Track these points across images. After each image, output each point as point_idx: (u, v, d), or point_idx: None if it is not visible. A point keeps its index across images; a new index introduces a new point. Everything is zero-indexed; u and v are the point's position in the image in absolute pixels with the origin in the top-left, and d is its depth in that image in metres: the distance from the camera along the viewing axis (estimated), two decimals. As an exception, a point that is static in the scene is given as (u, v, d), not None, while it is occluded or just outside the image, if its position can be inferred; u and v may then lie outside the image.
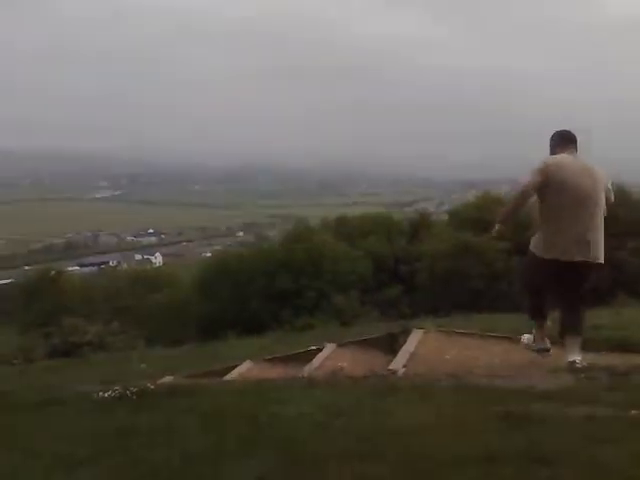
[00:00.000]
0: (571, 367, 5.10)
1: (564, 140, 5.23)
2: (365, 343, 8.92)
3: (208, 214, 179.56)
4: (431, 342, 7.62)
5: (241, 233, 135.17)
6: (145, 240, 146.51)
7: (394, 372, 6.23)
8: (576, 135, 5.21)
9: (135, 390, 5.43)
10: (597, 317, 8.43)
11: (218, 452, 4.03)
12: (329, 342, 9.20)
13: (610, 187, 5.23)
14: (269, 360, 9.18)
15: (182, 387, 5.76)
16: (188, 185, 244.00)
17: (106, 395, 5.38)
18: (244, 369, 8.49)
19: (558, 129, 5.37)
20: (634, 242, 32.46)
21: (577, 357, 5.16)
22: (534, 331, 5.66)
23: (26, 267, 76.69)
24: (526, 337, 5.94)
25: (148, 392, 5.45)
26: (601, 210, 5.01)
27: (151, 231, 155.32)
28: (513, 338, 7.45)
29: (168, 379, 7.06)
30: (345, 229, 43.13)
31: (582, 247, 4.90)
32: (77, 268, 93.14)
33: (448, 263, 32.35)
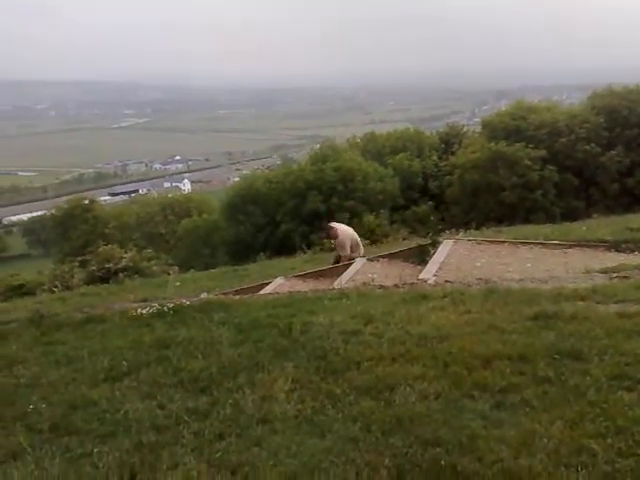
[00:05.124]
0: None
1: (337, 229, 10.85)
2: (395, 256, 8.95)
3: (234, 139, 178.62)
4: (461, 251, 7.61)
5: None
6: (173, 167, 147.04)
7: (425, 281, 6.24)
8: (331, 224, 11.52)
9: (172, 306, 5.56)
10: (631, 220, 8.33)
11: (253, 361, 4.14)
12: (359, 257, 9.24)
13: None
14: (300, 276, 9.28)
15: (217, 302, 5.84)
16: (214, 110, 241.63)
17: (144, 312, 5.52)
18: (276, 285, 8.60)
19: (331, 224, 11.31)
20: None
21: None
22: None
23: (58, 198, 77.22)
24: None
25: (184, 307, 5.57)
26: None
27: (178, 158, 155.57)
28: (546, 244, 7.42)
29: (203, 296, 7.16)
30: (374, 146, 42.27)
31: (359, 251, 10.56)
32: (108, 197, 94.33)
33: (480, 174, 31.36)
